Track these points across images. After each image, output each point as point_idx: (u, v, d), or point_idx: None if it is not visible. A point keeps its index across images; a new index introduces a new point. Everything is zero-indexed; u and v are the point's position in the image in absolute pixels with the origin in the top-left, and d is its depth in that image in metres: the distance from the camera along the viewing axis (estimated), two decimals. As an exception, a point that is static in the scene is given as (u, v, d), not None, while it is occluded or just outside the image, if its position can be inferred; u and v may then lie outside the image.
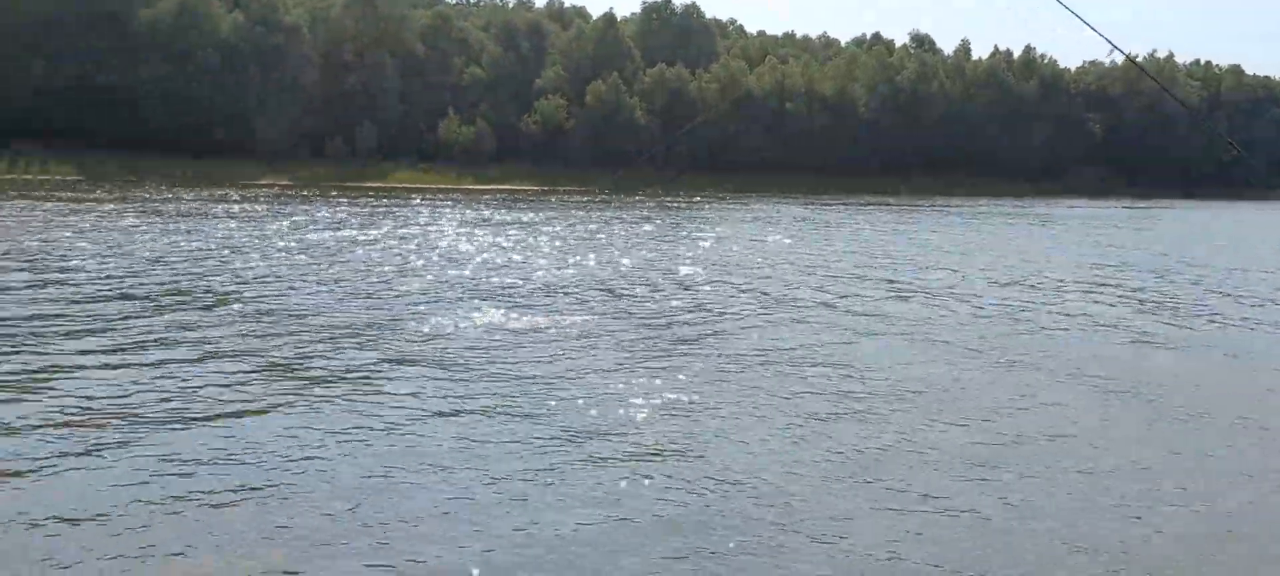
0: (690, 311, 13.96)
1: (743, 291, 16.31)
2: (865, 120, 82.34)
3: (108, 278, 15.56)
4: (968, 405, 8.90)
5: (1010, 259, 24.19)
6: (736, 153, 75.45)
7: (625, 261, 20.57)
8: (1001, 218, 44.59)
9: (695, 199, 54.62)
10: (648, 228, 31.71)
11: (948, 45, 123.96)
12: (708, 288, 16.70)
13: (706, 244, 26.09)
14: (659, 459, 7.07)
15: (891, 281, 18.53)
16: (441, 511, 5.95)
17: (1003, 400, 9.12)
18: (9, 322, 11.33)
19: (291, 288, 15.03)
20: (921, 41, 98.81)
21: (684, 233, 30.23)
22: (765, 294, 16.10)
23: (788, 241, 27.79)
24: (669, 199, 53.58)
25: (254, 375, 9.10)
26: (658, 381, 9.37)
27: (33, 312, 12.05)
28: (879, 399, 8.98)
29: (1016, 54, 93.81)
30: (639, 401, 8.58)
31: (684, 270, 19.29)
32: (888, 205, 53.16)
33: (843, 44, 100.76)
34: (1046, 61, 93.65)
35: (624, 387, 9.06)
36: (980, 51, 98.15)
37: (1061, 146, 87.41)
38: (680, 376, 9.65)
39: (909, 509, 6.28)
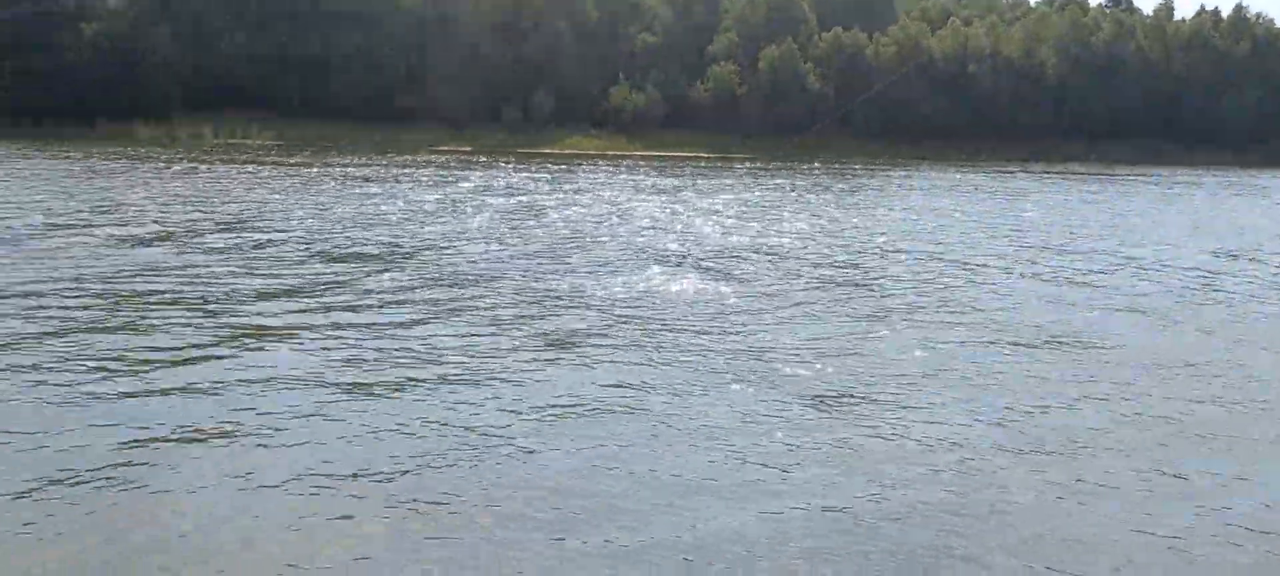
0: (880, 280, 13.51)
1: (933, 259, 15.68)
2: (1054, 84, 78.05)
3: (308, 240, 16.31)
4: (1212, 382, 8.21)
5: (1224, 231, 22.41)
6: (915, 119, 72.93)
7: (802, 227, 20.13)
8: (1206, 188, 41.48)
9: (872, 167, 53.19)
10: (824, 195, 31.01)
11: (1147, 4, 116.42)
12: (897, 256, 16.15)
13: (887, 211, 25.30)
14: (875, 433, 6.78)
15: (1093, 252, 17.42)
16: (653, 490, 5.84)
17: (1253, 379, 8.37)
18: (220, 280, 12.00)
19: (478, 251, 15.36)
20: (1118, 0, 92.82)
21: (862, 200, 29.42)
22: (957, 261, 15.41)
23: (972, 209, 26.62)
24: (844, 166, 52.35)
25: (449, 340, 9.23)
26: (859, 350, 9.05)
27: (239, 271, 12.74)
28: (1109, 375, 8.38)
29: (1225, 13, 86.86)
30: (839, 368, 8.29)
31: (867, 237, 18.72)
32: (1077, 174, 50.30)
33: (1032, 3, 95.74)
34: (1260, 21, 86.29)
35: (826, 355, 8.78)
36: (1184, 11, 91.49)
37: (1275, 112, 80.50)
38: (883, 346, 9.28)
39: (1178, 503, 5.80)
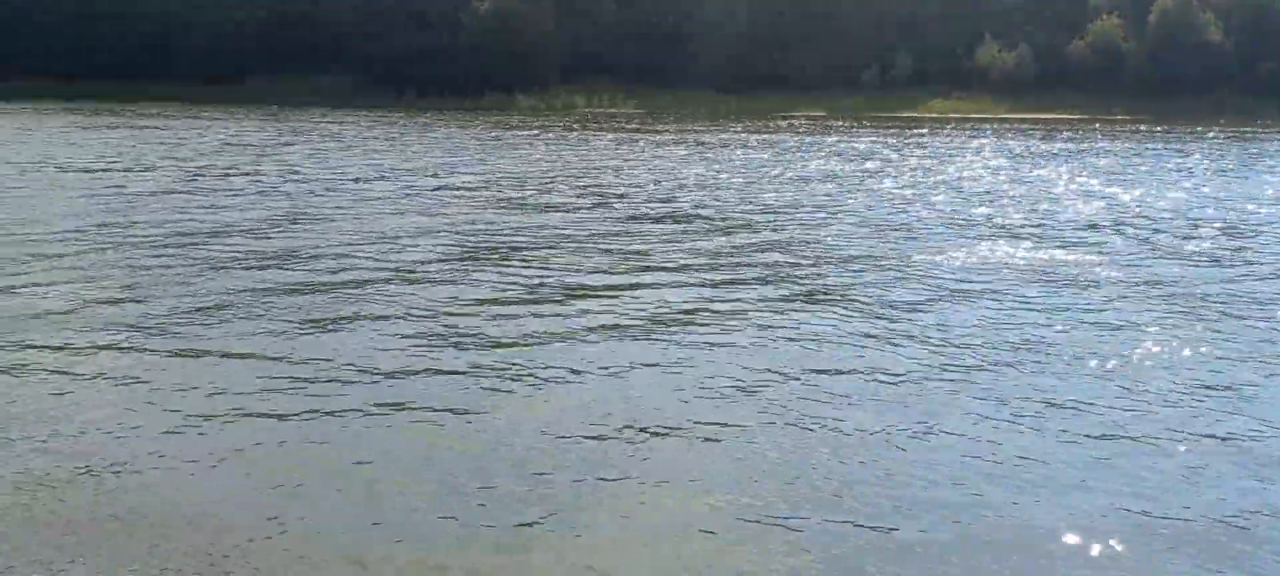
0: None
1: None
2: None
3: (652, 200, 16.80)
4: None
5: None
6: (1343, 74, 62.67)
7: (1225, 200, 17.91)
8: None
9: (1283, 130, 46.41)
10: (1241, 165, 27.43)
11: None
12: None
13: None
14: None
15: None
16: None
17: None
18: (620, 244, 12.62)
19: (819, 218, 15.09)
20: None
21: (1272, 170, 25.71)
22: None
23: None
24: (1253, 131, 46.14)
25: (799, 317, 9.08)
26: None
27: (640, 239, 13.33)
28: None
29: None
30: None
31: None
32: None
33: None
34: None
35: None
36: None
37: None
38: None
39: None
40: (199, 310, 8.58)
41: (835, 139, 37.00)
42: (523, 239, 12.87)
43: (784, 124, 48.55)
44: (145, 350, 7.37)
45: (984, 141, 36.56)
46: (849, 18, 71.48)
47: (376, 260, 11.13)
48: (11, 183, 17.81)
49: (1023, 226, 14.49)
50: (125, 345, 7.48)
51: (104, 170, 20.39)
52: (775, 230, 13.95)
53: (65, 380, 6.62)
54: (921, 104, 65.68)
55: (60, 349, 7.34)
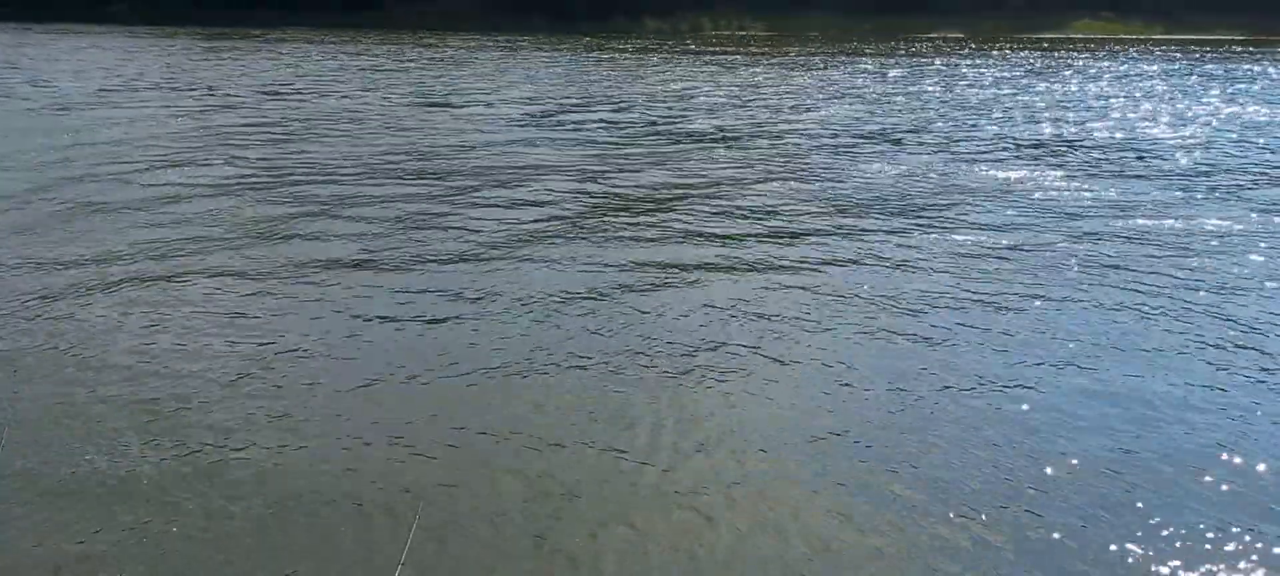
0: None
1: None
2: None
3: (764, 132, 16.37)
4: None
5: None
6: None
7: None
8: None
9: None
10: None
11: None
12: None
13: None
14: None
15: None
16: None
17: None
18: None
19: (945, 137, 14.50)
20: None
21: None
22: None
23: None
24: None
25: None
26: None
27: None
28: None
29: None
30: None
31: None
32: None
33: None
34: None
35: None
36: None
37: None
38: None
39: None
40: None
41: (967, 60, 35.27)
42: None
43: (916, 46, 46.55)
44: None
45: (1139, 66, 34.32)
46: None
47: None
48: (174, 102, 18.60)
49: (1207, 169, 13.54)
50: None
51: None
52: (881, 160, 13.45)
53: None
54: (1068, 24, 62.31)
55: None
